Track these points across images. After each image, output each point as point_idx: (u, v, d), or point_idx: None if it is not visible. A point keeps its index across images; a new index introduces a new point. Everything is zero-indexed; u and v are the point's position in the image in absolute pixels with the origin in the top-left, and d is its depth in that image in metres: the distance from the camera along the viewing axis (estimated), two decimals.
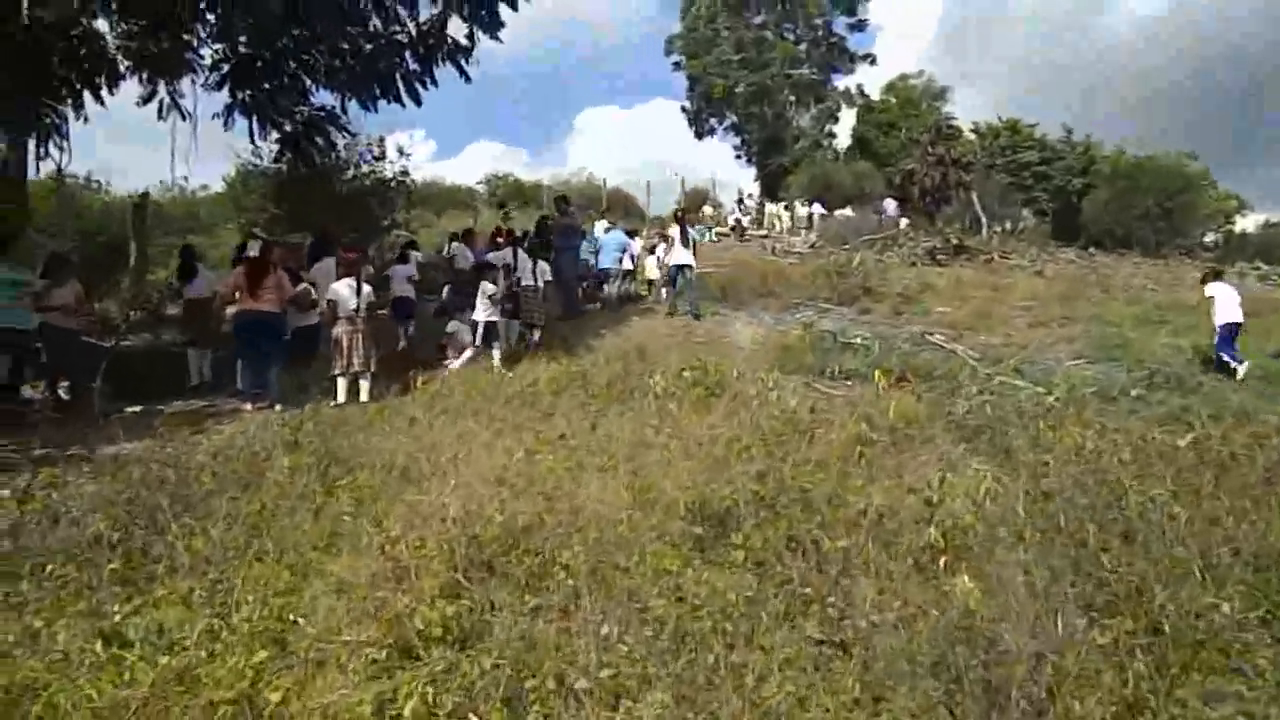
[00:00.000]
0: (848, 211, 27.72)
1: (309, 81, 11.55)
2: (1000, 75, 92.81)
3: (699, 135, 44.53)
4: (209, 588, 3.59)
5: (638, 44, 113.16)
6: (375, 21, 11.14)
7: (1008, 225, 27.99)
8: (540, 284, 11.25)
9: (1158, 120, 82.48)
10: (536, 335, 11.03)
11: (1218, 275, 11.23)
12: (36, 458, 6.20)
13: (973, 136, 35.94)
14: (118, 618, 3.27)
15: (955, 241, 20.03)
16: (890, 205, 26.09)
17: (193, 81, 11.40)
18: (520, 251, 11.33)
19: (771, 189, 37.43)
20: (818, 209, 28.16)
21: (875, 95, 42.67)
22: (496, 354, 9.62)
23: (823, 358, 9.66)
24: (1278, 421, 6.71)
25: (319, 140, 12.41)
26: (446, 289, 12.28)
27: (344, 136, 14.28)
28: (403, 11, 11.11)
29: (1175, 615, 3.16)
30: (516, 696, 2.77)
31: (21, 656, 3.06)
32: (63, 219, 16.91)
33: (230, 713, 2.62)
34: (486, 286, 9.78)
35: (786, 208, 29.61)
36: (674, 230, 13.21)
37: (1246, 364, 9.59)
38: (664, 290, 13.79)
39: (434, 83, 11.26)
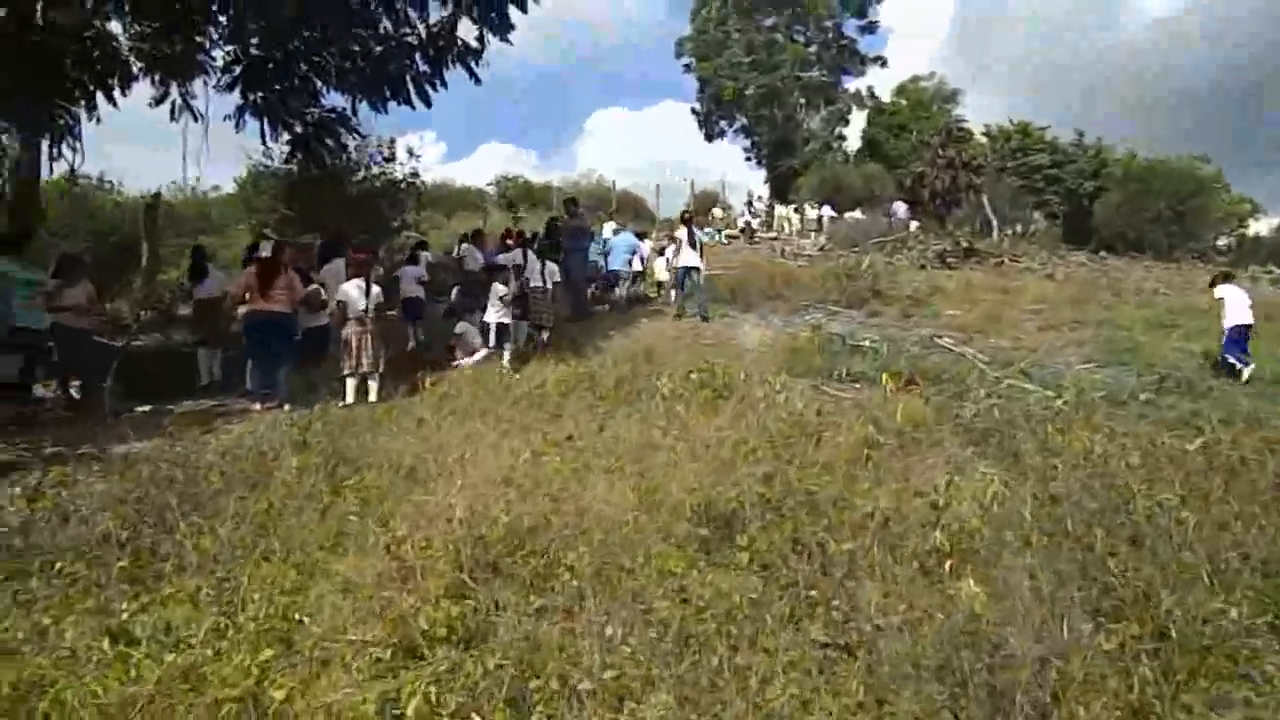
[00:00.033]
0: (858, 214, 27.67)
1: (319, 83, 11.60)
2: (1011, 77, 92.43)
3: (709, 137, 44.50)
4: (216, 586, 3.61)
5: (648, 47, 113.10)
6: (385, 23, 11.17)
7: (1018, 228, 27.86)
8: (549, 285, 11.27)
9: (1173, 122, 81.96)
10: (545, 336, 11.05)
11: (1227, 278, 11.16)
12: (48, 456, 6.25)
13: (984, 139, 35.84)
14: (125, 615, 3.29)
15: (965, 244, 19.95)
16: (900, 208, 25.98)
17: (204, 83, 11.49)
18: (529, 253, 11.35)
19: (781, 191, 37.35)
20: (827, 211, 28.10)
21: (886, 97, 42.68)
22: (506, 355, 9.64)
23: (831, 360, 9.63)
24: None
25: (329, 142, 12.45)
26: (456, 290, 12.32)
27: (354, 138, 14.33)
28: (413, 14, 11.14)
29: (1182, 620, 3.14)
30: (520, 697, 2.78)
31: (30, 653, 3.09)
32: (75, 219, 17.02)
33: (235, 710, 2.63)
34: (498, 288, 9.81)
35: (796, 210, 29.56)
36: (681, 232, 13.21)
37: (1252, 366, 9.55)
38: (673, 292, 13.80)
39: (443, 84, 11.29)
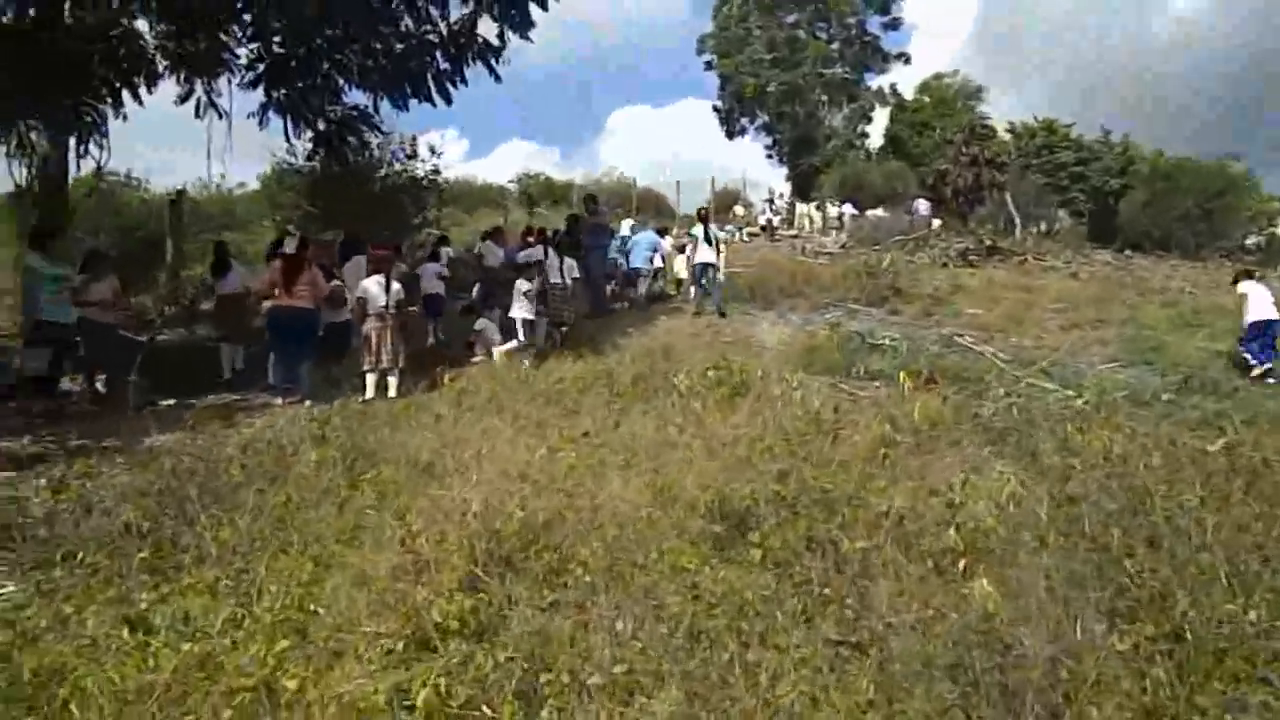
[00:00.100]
0: (880, 212, 27.49)
1: (342, 81, 11.71)
2: (1035, 76, 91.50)
3: (730, 135, 44.26)
4: (234, 577, 3.67)
5: (670, 44, 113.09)
6: (407, 21, 11.26)
7: (1042, 226, 27.57)
8: (568, 282, 11.30)
9: (1199, 119, 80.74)
10: (563, 332, 11.08)
11: (1249, 275, 11.12)
12: (73, 449, 6.36)
13: (1008, 136, 35.43)
14: (145, 605, 3.35)
15: (988, 242, 19.75)
16: (922, 205, 25.78)
17: (228, 80, 11.63)
18: (550, 250, 11.39)
19: (803, 189, 37.17)
20: (849, 209, 27.96)
21: (909, 95, 42.17)
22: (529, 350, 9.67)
23: (849, 358, 9.60)
24: None
25: (352, 139, 12.59)
26: (477, 287, 12.39)
27: (376, 135, 14.47)
28: (434, 11, 11.23)
29: (1198, 622, 3.10)
30: (530, 690, 2.80)
31: (52, 641, 3.15)
32: (102, 216, 17.22)
33: (249, 699, 2.67)
34: (521, 284, 9.86)
35: (818, 208, 29.43)
36: (697, 229, 13.20)
37: (1267, 366, 9.49)
38: (692, 290, 13.79)
39: (464, 82, 11.37)
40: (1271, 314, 9.98)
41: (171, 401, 8.13)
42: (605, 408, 6.82)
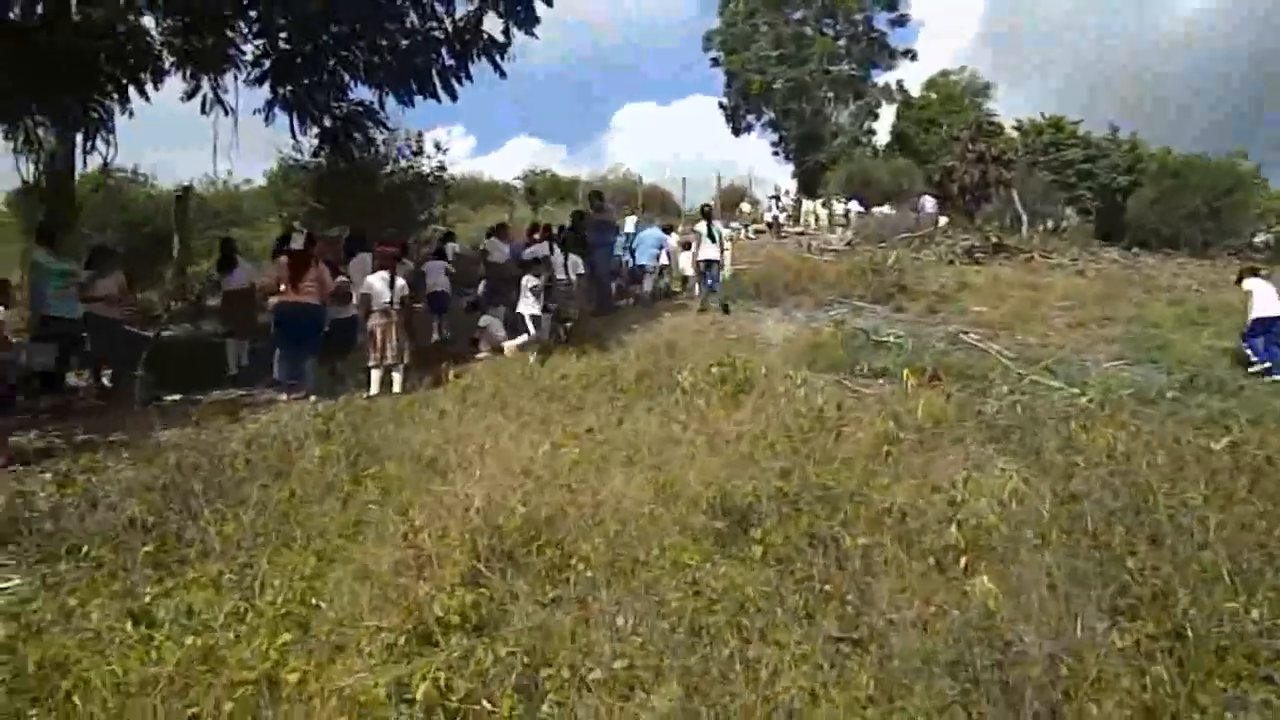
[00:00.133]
0: (886, 209, 27.42)
1: (348, 77, 11.76)
2: (1037, 74, 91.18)
3: (736, 132, 44.11)
4: (238, 571, 3.69)
5: (676, 41, 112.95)
6: (412, 17, 11.30)
7: (1049, 224, 27.45)
8: (572, 278, 11.31)
9: (1206, 116, 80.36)
10: (567, 328, 11.08)
11: (1254, 272, 11.11)
12: (79, 443, 6.40)
13: (1015, 133, 35.28)
14: (148, 599, 3.38)
15: (994, 240, 19.71)
16: (928, 203, 25.69)
17: (235, 77, 11.68)
18: (555, 246, 11.40)
19: (809, 186, 37.10)
20: (855, 206, 27.90)
21: (916, 91, 42.07)
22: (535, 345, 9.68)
23: (854, 356, 9.57)
24: None
25: (357, 135, 12.63)
26: (483, 284, 12.41)
27: (382, 132, 14.47)
28: (439, 8, 11.27)
29: (1200, 620, 3.10)
30: (531, 685, 2.81)
31: (56, 633, 3.17)
32: (108, 212, 17.29)
33: (251, 692, 2.69)
34: (529, 279, 9.88)
35: (824, 204, 29.36)
36: (700, 226, 13.21)
37: (1267, 365, 9.50)
38: (697, 286, 13.78)
39: (469, 78, 11.40)
40: (1276, 310, 9.98)
41: (177, 397, 8.17)
42: (609, 404, 6.83)
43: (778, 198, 28.46)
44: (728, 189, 32.71)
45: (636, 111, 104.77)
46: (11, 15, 9.64)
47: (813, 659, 2.97)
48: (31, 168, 11.31)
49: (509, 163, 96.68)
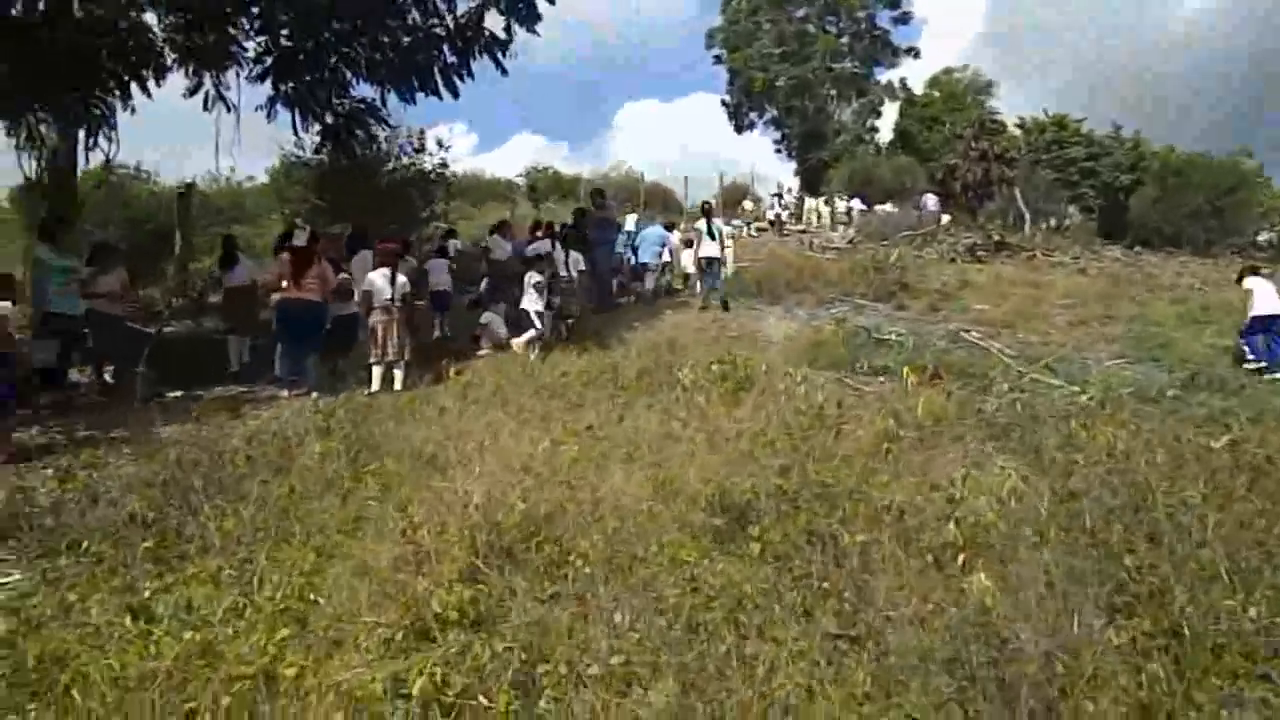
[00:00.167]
0: (888, 207, 27.41)
1: (349, 74, 11.75)
2: (1038, 74, 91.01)
3: (739, 129, 44.13)
4: (237, 567, 3.70)
5: (679, 39, 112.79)
6: (414, 14, 11.30)
7: (1052, 222, 27.42)
8: (573, 275, 11.31)
9: (1206, 116, 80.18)
10: (568, 325, 11.09)
11: (1255, 271, 11.15)
12: (80, 439, 6.42)
13: (1017, 132, 35.21)
14: (148, 594, 3.39)
15: (996, 238, 19.71)
16: (930, 200, 25.66)
17: (237, 74, 11.67)
18: (557, 244, 11.40)
19: (811, 183, 37.05)
20: (857, 204, 27.88)
21: (918, 89, 42.06)
22: (537, 342, 9.69)
23: (855, 353, 9.57)
24: None
25: (359, 132, 12.62)
26: (484, 281, 12.41)
27: (384, 129, 14.47)
28: (441, 5, 11.26)
29: (1197, 618, 3.10)
30: (528, 680, 2.82)
31: (56, 628, 3.18)
32: (110, 208, 17.29)
33: (248, 687, 2.69)
34: (532, 276, 9.89)
35: (826, 202, 29.33)
36: (700, 223, 13.22)
37: (1263, 365, 9.51)
38: (698, 284, 13.79)
39: (470, 75, 11.41)
40: (1275, 309, 10.00)
41: (178, 393, 8.18)
42: (609, 401, 6.83)
43: (780, 195, 28.44)
44: (730, 187, 32.64)
45: (639, 109, 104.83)
46: (14, 12, 9.63)
47: (810, 655, 2.97)
48: (34, 164, 11.34)
49: (511, 160, 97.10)
